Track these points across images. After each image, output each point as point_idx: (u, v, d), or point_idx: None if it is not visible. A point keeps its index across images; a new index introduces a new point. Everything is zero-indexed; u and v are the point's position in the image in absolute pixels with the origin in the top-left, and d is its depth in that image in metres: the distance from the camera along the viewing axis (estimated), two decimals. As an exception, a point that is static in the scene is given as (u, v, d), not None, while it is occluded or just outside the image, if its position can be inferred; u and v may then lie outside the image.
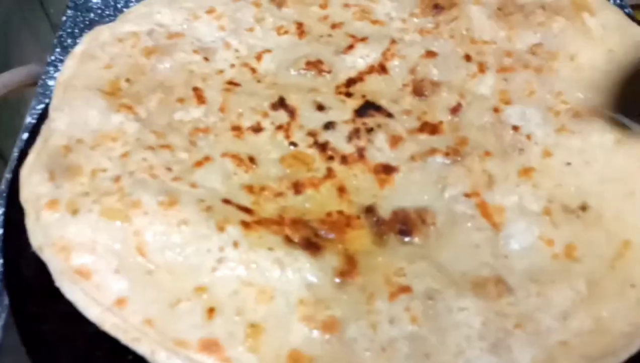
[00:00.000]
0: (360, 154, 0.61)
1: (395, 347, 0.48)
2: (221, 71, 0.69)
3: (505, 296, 0.51)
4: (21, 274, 0.56)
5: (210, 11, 0.74)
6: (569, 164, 0.59)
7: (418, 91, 0.66)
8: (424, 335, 0.49)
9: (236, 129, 0.63)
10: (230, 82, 0.68)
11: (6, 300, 0.64)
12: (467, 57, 0.69)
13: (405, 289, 0.51)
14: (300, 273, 0.52)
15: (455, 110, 0.64)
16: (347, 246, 0.54)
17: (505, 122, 0.63)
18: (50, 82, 0.85)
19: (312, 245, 0.53)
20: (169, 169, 0.58)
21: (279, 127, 0.63)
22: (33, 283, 0.55)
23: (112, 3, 0.97)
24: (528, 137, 0.62)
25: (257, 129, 0.63)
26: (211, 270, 0.52)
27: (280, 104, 0.65)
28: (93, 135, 0.60)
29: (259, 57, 0.70)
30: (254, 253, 0.52)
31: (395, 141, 0.62)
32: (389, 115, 0.64)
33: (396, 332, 0.49)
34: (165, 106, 0.64)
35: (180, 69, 0.68)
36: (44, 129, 0.63)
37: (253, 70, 0.69)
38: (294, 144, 0.62)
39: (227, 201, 0.56)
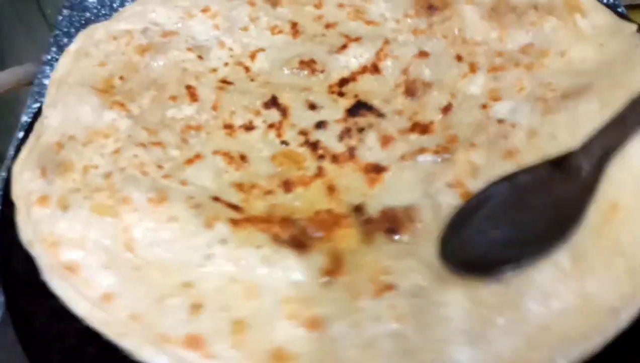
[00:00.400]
0: (351, 153, 0.62)
1: (379, 344, 0.48)
2: (215, 70, 0.70)
3: (489, 285, 0.51)
4: (14, 271, 0.56)
5: (205, 10, 0.74)
6: (554, 137, 0.58)
7: (410, 91, 0.67)
8: (408, 332, 0.48)
9: (228, 127, 0.64)
10: (224, 81, 0.68)
11: (1, 298, 0.63)
12: (459, 58, 0.69)
13: (390, 287, 0.51)
14: (286, 271, 0.52)
15: (446, 110, 0.65)
16: (335, 245, 0.54)
17: (492, 118, 0.63)
18: (46, 81, 0.84)
19: (299, 244, 0.53)
20: (160, 166, 0.59)
21: (271, 126, 0.64)
22: (26, 279, 0.55)
23: (108, 2, 0.98)
24: (513, 125, 0.61)
25: (249, 127, 0.64)
26: (199, 266, 0.52)
27: (273, 103, 0.66)
28: (85, 132, 0.61)
29: (252, 56, 0.71)
30: (242, 250, 0.53)
31: (386, 140, 0.62)
32: (381, 115, 0.65)
33: (380, 329, 0.49)
34: (157, 104, 0.65)
35: (174, 67, 0.69)
36: (37, 126, 0.64)
37: (247, 69, 0.70)
38: (285, 142, 0.63)
39: (216, 199, 0.57)
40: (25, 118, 0.80)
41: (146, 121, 0.63)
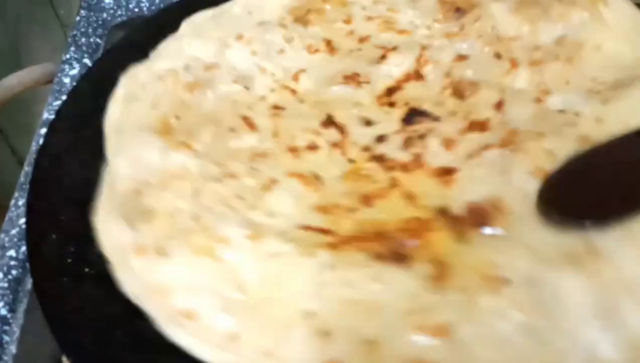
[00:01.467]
0: (418, 160, 0.63)
1: (511, 341, 0.49)
2: (263, 98, 0.71)
3: (603, 263, 0.52)
4: (45, 259, 0.58)
5: (239, 37, 0.76)
6: (623, 121, 0.60)
7: (458, 92, 0.69)
8: (537, 324, 0.49)
9: (293, 150, 0.65)
10: (276, 107, 0.70)
11: (28, 285, 0.67)
12: (497, 55, 0.72)
13: (504, 281, 0.52)
14: (398, 285, 0.53)
15: (499, 106, 0.67)
16: (433, 250, 0.55)
17: (551, 109, 0.65)
18: (66, 80, 0.89)
19: (400, 257, 0.54)
20: (241, 197, 0.59)
21: (334, 145, 0.65)
22: (56, 267, 0.57)
23: (124, 3, 1.01)
24: (576, 114, 0.63)
25: (312, 147, 0.65)
26: (314, 295, 0.52)
27: (329, 122, 0.68)
28: (158, 176, 0.61)
29: (295, 78, 0.73)
30: (351, 273, 0.53)
31: (448, 143, 0.64)
32: (436, 119, 0.67)
33: (508, 325, 0.50)
34: (219, 138, 0.65)
35: (224, 100, 0.69)
36: (106, 176, 0.63)
37: (293, 92, 0.72)
38: (352, 160, 0.64)
39: (307, 227, 0.57)
40: (46, 115, 0.82)
41: (213, 157, 0.63)
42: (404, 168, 0.63)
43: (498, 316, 0.50)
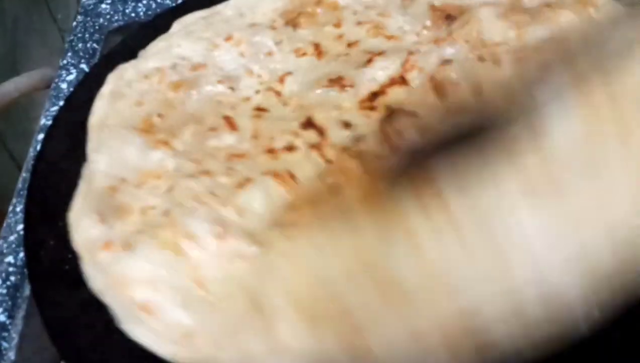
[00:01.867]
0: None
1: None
2: (247, 98, 0.71)
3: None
4: (43, 265, 0.59)
5: (228, 38, 0.76)
6: None
7: (440, 91, 0.68)
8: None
9: (270, 151, 0.65)
10: (259, 108, 0.70)
11: (27, 292, 0.68)
12: (481, 59, 0.71)
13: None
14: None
15: None
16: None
17: None
18: (63, 85, 0.90)
19: None
20: (214, 194, 0.60)
21: (312, 146, 0.65)
22: (54, 273, 0.58)
23: (121, 9, 1.02)
24: None
25: (290, 148, 0.65)
26: (274, 292, 0.52)
27: (309, 124, 0.68)
28: (135, 173, 0.62)
29: (281, 81, 0.73)
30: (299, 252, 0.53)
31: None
32: (414, 115, 0.65)
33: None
34: (199, 137, 0.66)
35: (209, 100, 0.70)
36: (85, 172, 0.64)
37: (278, 93, 0.71)
38: (329, 161, 0.64)
39: (275, 224, 0.57)
40: (43, 121, 0.84)
41: (191, 154, 0.64)
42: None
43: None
